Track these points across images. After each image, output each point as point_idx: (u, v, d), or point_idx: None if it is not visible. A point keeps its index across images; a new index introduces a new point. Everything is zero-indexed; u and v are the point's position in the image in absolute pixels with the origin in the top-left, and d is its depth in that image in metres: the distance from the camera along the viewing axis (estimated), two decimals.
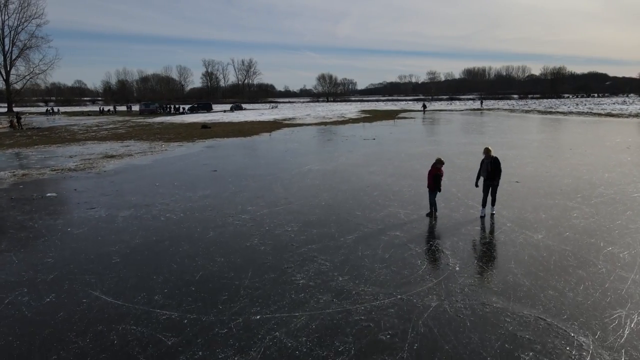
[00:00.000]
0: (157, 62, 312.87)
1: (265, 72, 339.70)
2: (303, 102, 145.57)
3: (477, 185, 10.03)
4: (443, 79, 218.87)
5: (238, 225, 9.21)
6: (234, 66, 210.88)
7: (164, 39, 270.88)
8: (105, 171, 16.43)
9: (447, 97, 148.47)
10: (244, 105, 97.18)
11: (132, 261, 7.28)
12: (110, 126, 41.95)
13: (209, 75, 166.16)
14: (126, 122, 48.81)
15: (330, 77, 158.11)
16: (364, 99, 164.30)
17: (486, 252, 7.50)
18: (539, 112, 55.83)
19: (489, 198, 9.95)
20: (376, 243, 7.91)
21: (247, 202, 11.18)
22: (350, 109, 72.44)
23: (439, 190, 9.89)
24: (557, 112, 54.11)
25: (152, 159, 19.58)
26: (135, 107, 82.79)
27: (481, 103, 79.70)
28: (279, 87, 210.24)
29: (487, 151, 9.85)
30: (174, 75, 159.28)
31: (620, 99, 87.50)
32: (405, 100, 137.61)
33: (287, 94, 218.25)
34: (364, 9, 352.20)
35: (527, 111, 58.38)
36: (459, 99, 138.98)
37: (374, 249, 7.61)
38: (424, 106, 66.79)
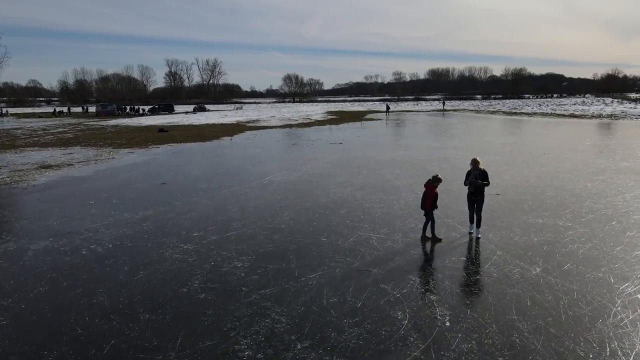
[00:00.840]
0: (118, 61, 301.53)
1: (231, 72, 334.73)
2: (269, 102, 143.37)
3: (466, 184, 8.81)
4: (408, 79, 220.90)
5: (177, 260, 7.54)
6: (198, 66, 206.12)
7: (125, 38, 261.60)
8: (34, 186, 14.30)
9: (413, 97, 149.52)
10: (207, 107, 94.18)
11: (23, 324, 5.51)
12: (59, 130, 38.93)
13: (172, 75, 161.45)
14: (78, 125, 45.67)
15: (296, 77, 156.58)
16: (331, 99, 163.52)
17: (479, 295, 6.14)
18: (505, 113, 56.07)
19: (474, 217, 8.74)
20: (345, 284, 6.44)
21: (194, 226, 9.50)
22: (316, 110, 71.07)
23: (436, 207, 8.62)
24: (522, 113, 54.44)
25: (94, 169, 17.47)
26: (93, 109, 78.57)
27: (443, 104, 79.56)
28: (245, 88, 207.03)
29: (475, 163, 8.64)
30: (136, 75, 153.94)
31: (579, 99, 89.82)
32: (372, 100, 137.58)
33: (254, 95, 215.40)
34: (330, 9, 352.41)
35: (492, 112, 58.59)
36: (425, 99, 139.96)
37: (343, 294, 6.13)
38: (388, 107, 65.70)
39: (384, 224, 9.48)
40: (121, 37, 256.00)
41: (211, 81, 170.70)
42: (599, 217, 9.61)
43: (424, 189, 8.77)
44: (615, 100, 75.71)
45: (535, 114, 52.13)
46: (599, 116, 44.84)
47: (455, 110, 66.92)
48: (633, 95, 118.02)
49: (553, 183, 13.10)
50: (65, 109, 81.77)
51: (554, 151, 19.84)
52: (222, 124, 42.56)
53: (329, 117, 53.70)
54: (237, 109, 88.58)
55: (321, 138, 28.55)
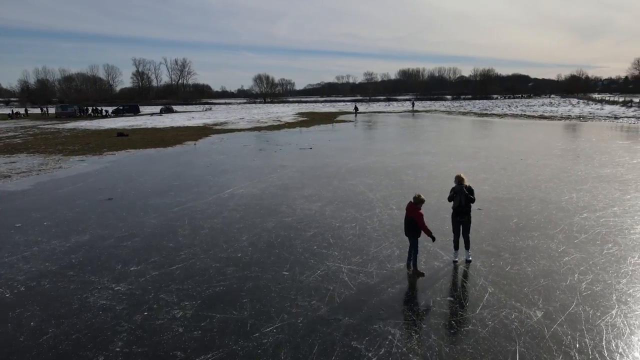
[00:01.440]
0: (83, 60, 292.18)
1: (201, 72, 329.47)
2: (239, 103, 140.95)
3: (450, 200, 7.70)
4: (380, 79, 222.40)
5: (102, 309, 6.11)
6: (166, 66, 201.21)
7: (90, 37, 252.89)
8: None
9: (385, 97, 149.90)
10: (176, 108, 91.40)
11: None
12: (9, 134, 36.24)
13: (140, 75, 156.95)
14: (32, 128, 42.85)
15: (267, 77, 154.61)
16: (302, 99, 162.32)
17: (474, 356, 4.96)
18: (476, 114, 56.05)
19: (462, 240, 7.67)
20: (308, 342, 5.17)
21: (134, 257, 8.05)
22: (287, 111, 69.64)
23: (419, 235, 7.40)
24: (493, 114, 54.51)
25: (34, 181, 15.64)
26: (53, 110, 74.72)
27: (413, 105, 79.14)
28: (216, 88, 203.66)
29: (460, 180, 7.58)
30: (101, 74, 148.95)
31: (546, 100, 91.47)
32: (344, 101, 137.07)
33: (224, 95, 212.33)
34: (301, 9, 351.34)
35: (464, 113, 58.53)
36: (396, 100, 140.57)
37: (305, 357, 4.85)
38: (356, 109, 64.27)
39: (356, 250, 8.26)
40: (85, 35, 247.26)
41: (180, 81, 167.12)
42: (593, 237, 8.65)
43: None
44: (581, 101, 77.23)
45: (505, 115, 52.22)
46: (568, 117, 45.11)
47: (427, 111, 66.70)
48: (596, 95, 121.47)
49: (536, 194, 12.18)
50: (22, 111, 77.59)
51: (531, 156, 19.13)
52: (187, 127, 40.63)
53: (300, 118, 52.39)
54: (206, 110, 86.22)
55: (290, 142, 27.21)
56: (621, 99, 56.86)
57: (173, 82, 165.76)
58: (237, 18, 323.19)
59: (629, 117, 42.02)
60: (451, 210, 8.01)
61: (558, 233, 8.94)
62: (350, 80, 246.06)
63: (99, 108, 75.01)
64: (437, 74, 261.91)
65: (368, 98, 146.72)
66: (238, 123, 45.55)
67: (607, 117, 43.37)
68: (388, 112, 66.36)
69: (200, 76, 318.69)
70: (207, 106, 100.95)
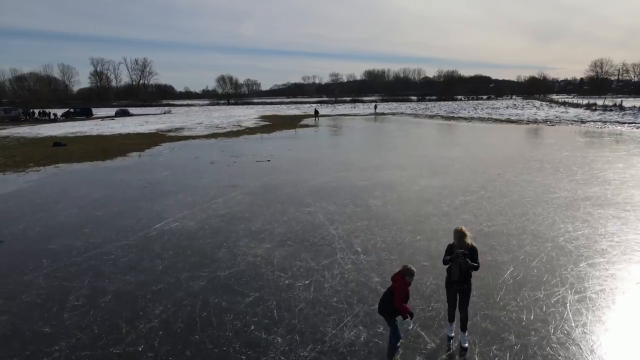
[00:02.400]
0: (36, 59, 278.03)
1: (165, 72, 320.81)
2: (202, 105, 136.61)
3: (445, 263, 5.61)
4: (345, 80, 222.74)
5: None
6: (126, 65, 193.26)
7: (43, 34, 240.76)
8: None
9: (350, 99, 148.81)
10: (133, 110, 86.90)
11: None
12: None
13: (98, 75, 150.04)
14: None
15: (231, 78, 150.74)
16: (267, 101, 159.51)
17: None
18: (443, 117, 55.03)
19: (456, 313, 5.60)
20: None
21: None
22: (249, 115, 66.83)
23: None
24: (460, 117, 53.61)
25: None
26: None
27: (375, 108, 77.44)
28: (180, 88, 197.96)
29: (461, 237, 5.47)
30: (56, 74, 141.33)
31: (510, 102, 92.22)
32: (309, 102, 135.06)
33: (188, 96, 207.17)
34: (267, 9, 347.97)
35: (430, 116, 57.46)
36: (362, 101, 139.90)
37: None
38: (316, 112, 61.40)
39: (307, 331, 6.03)
40: (38, 33, 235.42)
41: (141, 82, 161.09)
42: (615, 301, 6.74)
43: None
44: (544, 103, 77.93)
45: (472, 118, 51.36)
46: (535, 121, 44.50)
47: (393, 114, 65.41)
48: (556, 97, 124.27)
49: (526, 226, 10.30)
50: None
51: (508, 169, 17.45)
52: (137, 134, 37.37)
53: (262, 123, 49.82)
54: (164, 112, 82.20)
55: (247, 152, 24.75)
56: (585, 102, 57.15)
57: (134, 83, 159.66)
58: (202, 17, 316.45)
59: (595, 121, 41.71)
60: (445, 270, 5.91)
61: (569, 294, 6.99)
62: (317, 81, 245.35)
63: (47, 111, 69.80)
64: (402, 75, 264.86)
65: (334, 99, 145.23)
66: (195, 128, 42.57)
67: (574, 121, 42.98)
68: (353, 115, 64.66)
69: (163, 76, 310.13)
70: (166, 108, 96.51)
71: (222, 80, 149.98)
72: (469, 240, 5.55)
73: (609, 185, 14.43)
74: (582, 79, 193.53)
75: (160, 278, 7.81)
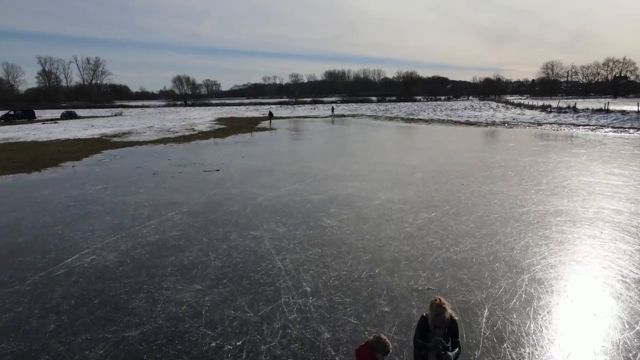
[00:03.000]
0: None
1: (120, 72, 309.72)
2: (158, 106, 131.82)
3: (418, 348, 4.20)
4: (306, 80, 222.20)
5: None
6: (77, 65, 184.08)
7: None
8: None
9: (311, 99, 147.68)
10: (82, 112, 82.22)
11: None
12: None
13: (46, 75, 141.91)
14: None
15: (187, 79, 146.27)
16: (227, 102, 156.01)
17: None
18: (403, 119, 54.58)
19: None
20: None
21: None
22: (206, 117, 64.25)
23: None
24: (420, 119, 53.31)
25: None
26: None
27: (332, 110, 76.18)
28: (135, 89, 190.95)
29: (439, 313, 4.01)
30: (0, 74, 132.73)
31: (467, 103, 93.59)
32: (269, 103, 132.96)
33: (144, 96, 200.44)
34: (225, 8, 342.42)
35: (390, 118, 56.91)
36: (322, 102, 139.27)
37: None
38: (270, 114, 59.37)
39: None
40: None
41: (94, 81, 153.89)
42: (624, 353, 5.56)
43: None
44: (501, 104, 79.31)
45: (432, 120, 51.12)
46: (493, 123, 44.59)
47: (353, 116, 64.58)
48: (510, 97, 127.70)
49: (498, 252, 9.12)
50: None
51: (471, 178, 16.48)
52: (77, 140, 34.45)
53: (217, 126, 47.64)
54: (115, 115, 78.05)
55: (196, 160, 22.83)
56: (540, 104, 58.18)
57: (85, 83, 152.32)
58: (158, 16, 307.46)
59: (551, 123, 42.15)
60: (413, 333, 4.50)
61: (558, 349, 5.76)
62: (277, 81, 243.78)
63: None
64: (362, 76, 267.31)
65: (294, 100, 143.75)
66: (144, 133, 39.92)
67: (530, 123, 43.32)
68: (313, 117, 63.34)
69: (118, 76, 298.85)
70: (117, 110, 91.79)
71: (178, 80, 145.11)
72: (448, 313, 4.15)
73: (576, 196, 13.61)
74: (533, 80, 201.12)
75: (47, 345, 6.03)
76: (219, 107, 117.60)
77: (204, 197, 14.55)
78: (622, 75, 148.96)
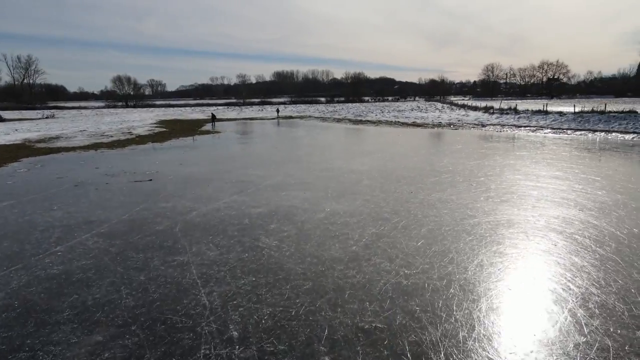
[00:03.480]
0: None
1: (56, 71, 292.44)
2: (97, 107, 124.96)
3: None
4: (255, 81, 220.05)
5: None
6: (6, 63, 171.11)
7: None
8: None
9: (259, 100, 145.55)
10: (7, 114, 76.02)
11: None
12: None
13: None
14: None
15: (129, 79, 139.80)
16: (172, 103, 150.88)
17: None
18: (351, 121, 54.18)
19: None
20: None
21: None
22: (147, 119, 61.01)
23: None
24: (368, 120, 53.11)
25: None
26: None
27: (277, 112, 75.04)
28: (73, 89, 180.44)
29: None
30: None
31: (414, 104, 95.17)
32: (216, 105, 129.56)
33: (84, 97, 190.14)
34: (170, 6, 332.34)
35: (338, 120, 56.39)
36: (271, 103, 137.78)
37: None
38: (213, 117, 57.07)
39: None
40: None
41: (25, 81, 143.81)
42: None
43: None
44: (446, 105, 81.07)
45: (380, 122, 51.03)
46: (439, 125, 45.02)
47: (301, 117, 63.57)
48: (454, 98, 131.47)
49: (451, 274, 8.28)
50: None
51: (420, 185, 15.84)
52: None
53: (158, 129, 45.07)
54: (46, 117, 72.68)
55: (128, 169, 20.87)
56: (483, 105, 59.69)
57: (16, 83, 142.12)
58: (98, 13, 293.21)
59: (494, 124, 43.05)
60: None
61: None
62: (225, 82, 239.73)
63: None
64: (310, 76, 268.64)
65: (242, 101, 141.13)
66: (74, 138, 36.87)
67: (475, 124, 44.08)
68: (260, 119, 61.73)
69: (54, 75, 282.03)
70: (48, 112, 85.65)
71: (118, 80, 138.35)
72: None
73: (525, 204, 13.19)
74: (475, 81, 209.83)
75: None
76: (163, 108, 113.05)
77: (128, 214, 12.89)
78: (556, 77, 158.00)
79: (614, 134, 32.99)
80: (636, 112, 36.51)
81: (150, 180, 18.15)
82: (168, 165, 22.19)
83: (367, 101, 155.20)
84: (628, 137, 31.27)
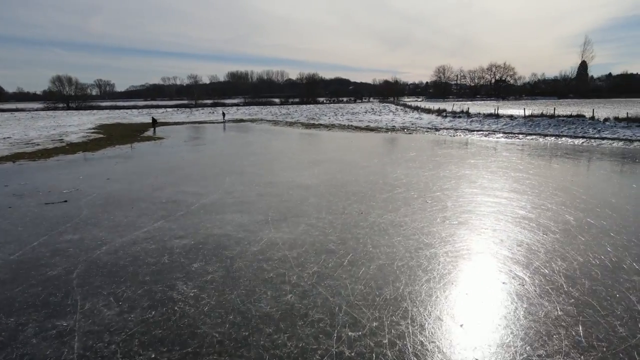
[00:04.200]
0: None
1: None
2: (35, 109, 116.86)
3: None
4: (208, 81, 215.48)
5: None
6: None
7: None
8: None
9: (211, 102, 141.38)
10: None
11: None
12: None
13: None
14: None
15: (70, 79, 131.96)
16: (119, 104, 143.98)
17: None
18: (303, 125, 52.55)
19: None
20: None
21: None
22: (85, 123, 56.82)
23: None
24: (320, 124, 51.67)
25: None
26: None
27: (223, 116, 72.06)
28: (12, 89, 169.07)
29: None
30: None
31: (368, 106, 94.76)
32: (167, 106, 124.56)
33: (24, 97, 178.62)
34: (118, 4, 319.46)
35: (291, 124, 54.63)
36: (224, 105, 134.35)
37: None
38: (154, 121, 52.76)
39: None
40: None
41: None
42: None
43: None
44: (399, 107, 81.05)
45: (333, 125, 49.69)
46: (393, 129, 44.20)
47: (252, 121, 61.32)
48: (407, 99, 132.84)
49: (403, 335, 6.68)
50: None
51: (371, 202, 14.34)
52: None
53: (95, 135, 41.61)
54: None
55: (43, 187, 18.17)
56: (436, 107, 59.68)
57: None
58: (40, 9, 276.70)
59: (447, 128, 42.66)
60: None
61: None
62: (177, 82, 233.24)
63: None
64: (265, 77, 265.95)
65: (194, 103, 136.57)
66: None
67: (428, 128, 43.57)
68: (210, 122, 58.93)
69: None
70: None
71: (58, 81, 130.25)
72: None
73: (485, 227, 11.92)
74: (427, 82, 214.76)
75: None
76: (108, 110, 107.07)
77: (19, 252, 10.55)
78: (504, 79, 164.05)
79: (563, 138, 33.09)
80: (583, 116, 36.99)
81: (65, 201, 15.69)
82: (93, 180, 19.64)
83: (322, 102, 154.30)
84: (577, 141, 31.37)
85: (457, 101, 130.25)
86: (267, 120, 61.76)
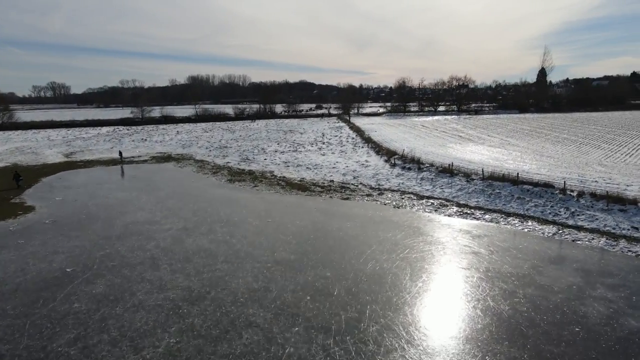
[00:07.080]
0: None
1: None
2: None
3: None
4: (169, 84, 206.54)
5: None
6: None
7: None
8: None
9: (159, 116, 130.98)
10: None
11: None
12: None
13: None
14: None
15: None
16: (52, 120, 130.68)
17: None
18: (230, 171, 43.92)
19: None
20: None
21: None
22: None
23: None
24: (249, 172, 43.23)
25: None
26: None
27: (120, 155, 54.06)
28: None
29: None
30: None
31: (320, 129, 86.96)
32: (110, 123, 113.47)
33: None
34: (77, 2, 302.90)
35: (217, 169, 45.93)
36: (174, 120, 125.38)
37: None
38: (16, 176, 38.73)
39: None
40: None
41: None
42: None
43: None
44: (351, 136, 73.58)
45: (264, 175, 41.30)
46: (329, 189, 36.24)
47: (178, 160, 52.20)
48: (370, 109, 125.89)
49: None
50: None
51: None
52: None
53: None
54: None
55: None
56: (385, 147, 52.26)
57: None
58: None
59: (393, 190, 35.00)
60: None
61: None
62: (137, 84, 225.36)
63: None
64: (227, 81, 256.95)
65: (140, 117, 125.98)
66: None
67: (371, 188, 35.88)
68: (123, 162, 49.20)
69: None
70: None
71: None
72: None
73: None
74: (391, 88, 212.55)
75: None
76: (33, 131, 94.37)
77: None
78: (465, 84, 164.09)
79: (530, 222, 25.79)
80: (552, 187, 29.95)
81: None
82: None
83: (280, 115, 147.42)
84: (547, 230, 24.14)
85: (418, 117, 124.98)
86: (194, 160, 52.91)
